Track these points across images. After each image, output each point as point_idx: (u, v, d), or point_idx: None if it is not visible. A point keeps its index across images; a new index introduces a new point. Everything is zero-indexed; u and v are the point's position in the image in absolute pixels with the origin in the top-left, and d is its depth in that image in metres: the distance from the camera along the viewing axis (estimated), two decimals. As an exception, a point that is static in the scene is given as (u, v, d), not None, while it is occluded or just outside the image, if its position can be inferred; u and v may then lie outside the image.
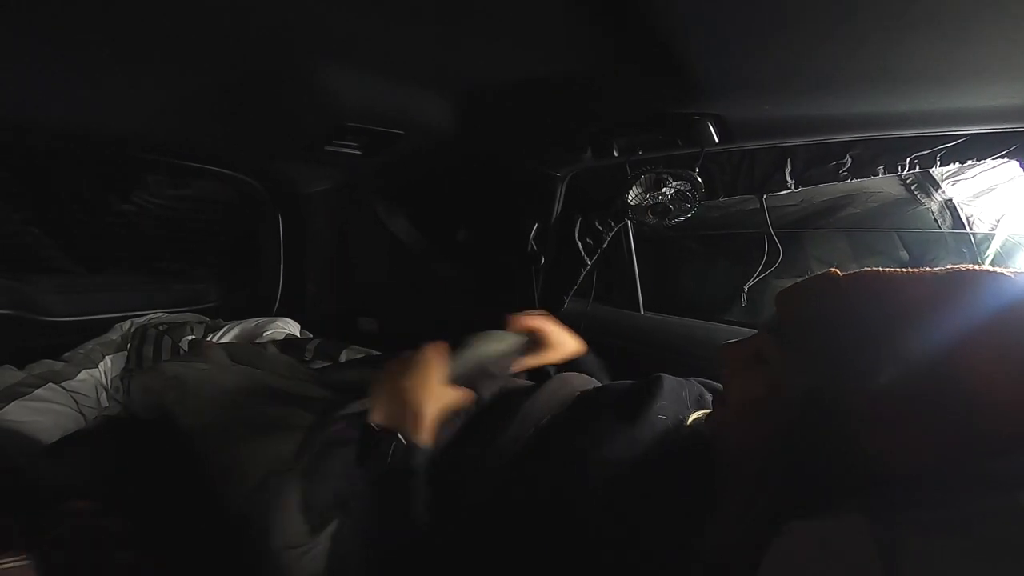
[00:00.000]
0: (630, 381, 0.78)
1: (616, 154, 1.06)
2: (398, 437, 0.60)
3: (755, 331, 0.54)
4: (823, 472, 0.44)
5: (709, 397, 0.72)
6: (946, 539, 0.33)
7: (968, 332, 0.40)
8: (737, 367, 0.54)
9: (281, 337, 1.45)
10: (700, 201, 1.03)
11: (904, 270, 0.45)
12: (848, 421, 0.42)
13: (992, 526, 0.33)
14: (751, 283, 1.32)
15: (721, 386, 0.61)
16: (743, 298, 1.38)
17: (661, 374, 0.73)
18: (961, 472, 0.38)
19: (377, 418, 0.63)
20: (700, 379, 0.80)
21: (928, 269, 0.45)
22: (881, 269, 0.46)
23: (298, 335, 1.51)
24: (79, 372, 1.17)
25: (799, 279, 0.52)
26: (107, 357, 1.24)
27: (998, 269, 0.43)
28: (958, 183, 1.38)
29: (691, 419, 0.65)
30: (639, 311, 1.44)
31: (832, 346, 0.45)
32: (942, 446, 0.39)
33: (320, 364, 1.16)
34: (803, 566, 0.37)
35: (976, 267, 0.44)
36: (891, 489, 0.39)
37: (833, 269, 0.49)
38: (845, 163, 0.98)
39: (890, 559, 0.33)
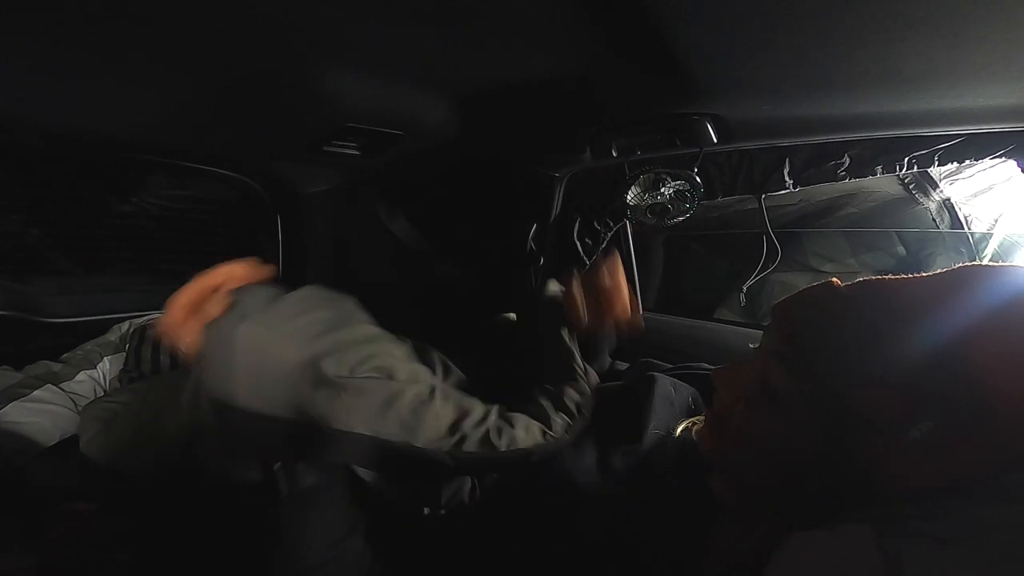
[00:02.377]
0: (622, 385, 0.78)
1: (615, 154, 1.06)
2: None
3: (759, 330, 0.53)
4: (831, 487, 0.43)
5: (700, 401, 0.72)
6: (953, 550, 0.33)
7: (972, 326, 0.39)
8: (738, 395, 0.51)
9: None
10: (699, 201, 1.03)
11: (901, 276, 0.45)
12: (860, 437, 0.42)
13: (1001, 538, 0.33)
14: (750, 282, 1.32)
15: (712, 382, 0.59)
16: (742, 297, 1.39)
17: (655, 375, 0.72)
18: (973, 484, 0.38)
19: None
20: (690, 370, 0.80)
21: (924, 274, 0.45)
22: (879, 276, 0.46)
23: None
24: (77, 373, 1.16)
25: (798, 279, 0.52)
26: (106, 358, 1.23)
27: (998, 264, 0.43)
28: (956, 182, 1.39)
29: (680, 429, 0.65)
30: (638, 311, 1.44)
31: (837, 349, 0.44)
32: (952, 451, 0.39)
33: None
34: None
35: (976, 263, 0.44)
36: (900, 502, 0.39)
37: (834, 279, 0.49)
38: (844, 163, 0.98)
39: (896, 570, 0.33)
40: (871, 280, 0.47)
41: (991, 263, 0.44)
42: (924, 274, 0.45)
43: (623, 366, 1.01)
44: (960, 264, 0.45)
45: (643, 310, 1.45)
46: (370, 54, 0.79)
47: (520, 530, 0.56)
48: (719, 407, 0.55)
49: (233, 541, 0.71)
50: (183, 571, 0.71)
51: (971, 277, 0.43)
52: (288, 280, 1.74)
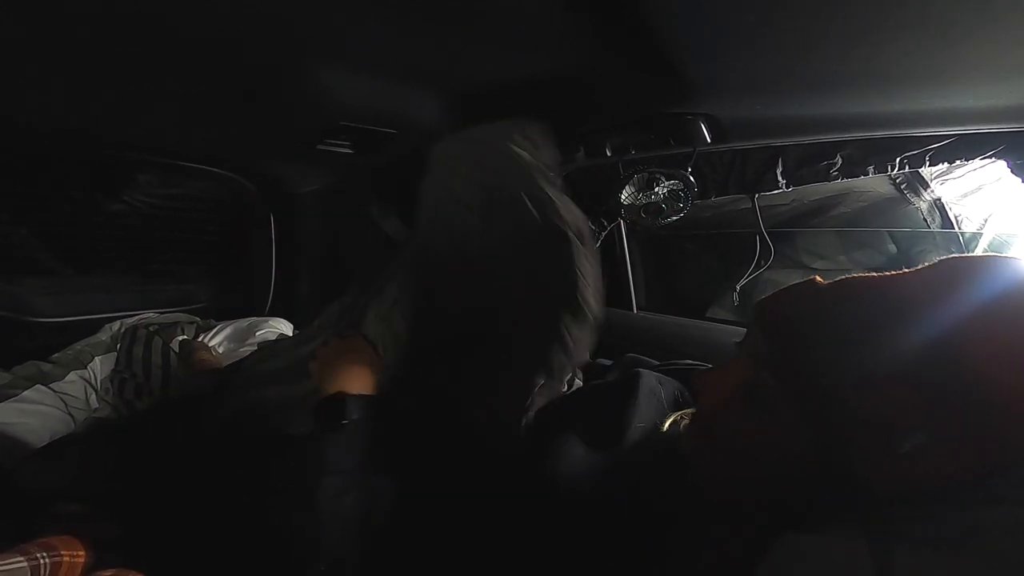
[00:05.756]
0: (607, 381, 0.78)
1: (609, 154, 1.06)
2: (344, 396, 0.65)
3: (742, 331, 0.53)
4: (822, 489, 0.43)
5: (687, 395, 0.72)
6: (945, 553, 0.33)
7: (962, 319, 0.39)
8: (723, 398, 0.50)
9: (273, 337, 1.44)
10: (692, 200, 1.03)
11: (887, 272, 0.45)
12: (852, 442, 0.41)
13: (992, 540, 0.33)
14: (743, 282, 1.33)
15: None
16: (735, 296, 1.39)
17: (640, 371, 0.72)
18: (964, 487, 0.37)
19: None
20: (676, 366, 0.80)
21: (905, 270, 0.44)
22: (861, 275, 0.45)
23: (290, 335, 1.50)
24: (68, 373, 1.16)
25: (790, 276, 0.51)
26: (96, 358, 1.22)
27: (982, 255, 0.43)
28: (947, 183, 1.40)
29: (667, 424, 0.64)
30: (632, 310, 1.45)
31: (820, 348, 0.43)
32: (945, 449, 0.38)
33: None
34: None
35: (956, 256, 0.43)
36: (890, 505, 0.39)
37: (816, 277, 0.47)
38: (836, 163, 0.98)
39: (887, 573, 0.33)
40: (853, 278, 0.46)
41: (970, 255, 0.43)
42: (907, 270, 0.44)
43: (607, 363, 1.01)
44: (940, 258, 0.44)
45: (637, 309, 1.45)
46: (364, 53, 0.79)
47: (507, 529, 0.56)
48: (703, 411, 0.54)
49: (225, 542, 0.71)
50: (173, 572, 0.71)
51: (954, 270, 0.42)
52: (281, 279, 1.75)
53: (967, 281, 0.41)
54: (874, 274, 0.45)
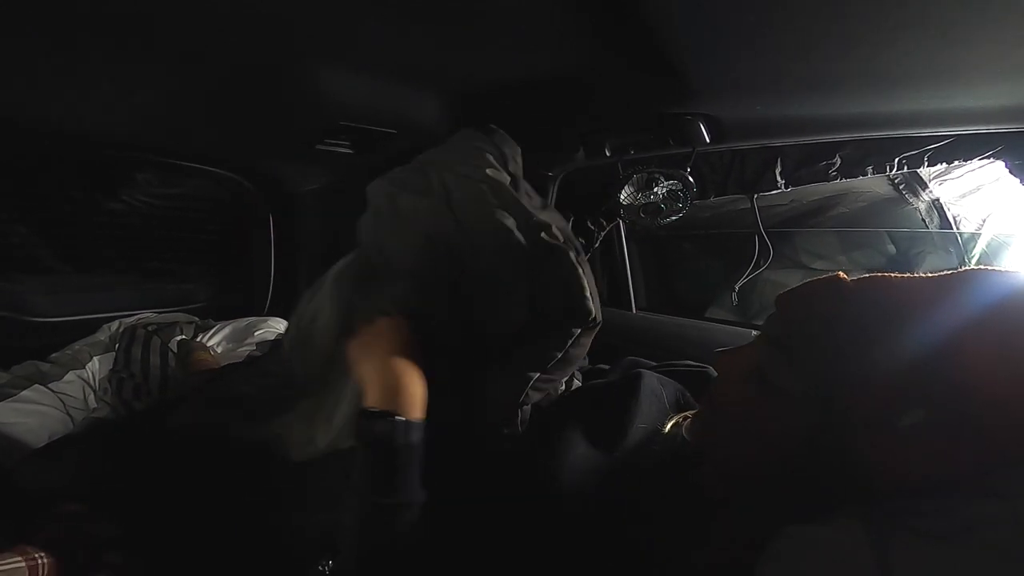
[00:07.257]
0: (609, 381, 0.78)
1: (608, 154, 1.06)
2: (396, 417, 0.57)
3: (750, 329, 0.53)
4: (823, 482, 0.43)
5: (688, 397, 0.72)
6: (942, 546, 0.33)
7: (965, 330, 0.40)
8: (737, 380, 0.51)
9: (272, 337, 1.44)
10: (691, 200, 1.04)
11: (906, 274, 0.45)
12: (853, 429, 0.42)
13: (988, 534, 0.33)
14: (742, 282, 1.33)
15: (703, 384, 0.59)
16: (734, 296, 1.40)
17: (641, 371, 0.72)
18: (962, 482, 0.38)
19: (371, 400, 0.59)
20: (676, 367, 0.80)
21: (930, 274, 0.45)
22: (884, 274, 0.46)
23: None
24: (66, 373, 1.15)
25: (795, 278, 0.51)
26: (95, 358, 1.22)
27: (998, 268, 0.43)
28: (945, 183, 1.40)
29: (670, 425, 0.65)
30: (631, 310, 1.45)
31: (835, 346, 0.44)
32: (943, 451, 0.39)
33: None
34: (799, 570, 0.37)
35: (977, 267, 0.44)
36: (890, 498, 0.39)
37: (840, 273, 0.48)
38: (835, 163, 0.99)
39: (886, 566, 0.33)
40: (875, 276, 0.47)
41: (995, 268, 0.44)
42: (929, 274, 0.45)
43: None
44: (965, 267, 0.45)
45: (636, 309, 1.45)
46: (365, 52, 0.79)
47: (507, 528, 0.56)
48: (716, 393, 0.55)
49: (225, 541, 0.71)
50: (173, 572, 0.71)
51: (972, 281, 0.43)
52: (280, 279, 1.74)
53: (980, 294, 0.42)
54: (895, 275, 0.46)
